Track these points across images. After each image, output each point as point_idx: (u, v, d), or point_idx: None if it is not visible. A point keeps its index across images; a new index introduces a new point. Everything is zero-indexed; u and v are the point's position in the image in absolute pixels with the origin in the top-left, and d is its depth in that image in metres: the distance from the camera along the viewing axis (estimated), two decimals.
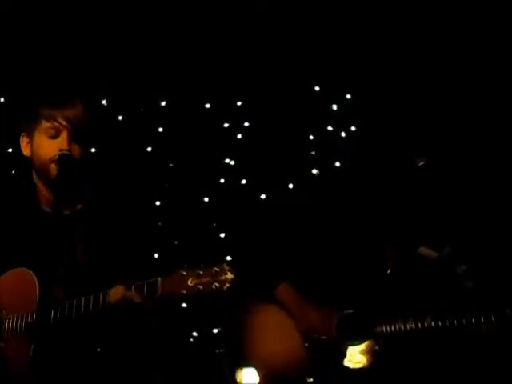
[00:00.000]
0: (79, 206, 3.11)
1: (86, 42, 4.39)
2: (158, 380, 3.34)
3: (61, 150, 2.98)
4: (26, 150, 3.13)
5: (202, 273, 2.68)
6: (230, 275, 2.65)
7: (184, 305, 4.29)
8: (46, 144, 3.04)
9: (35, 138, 3.07)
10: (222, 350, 3.59)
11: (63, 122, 3.02)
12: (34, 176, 3.12)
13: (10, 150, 4.33)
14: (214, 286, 2.66)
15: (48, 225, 2.98)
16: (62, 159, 2.97)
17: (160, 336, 3.21)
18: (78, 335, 2.91)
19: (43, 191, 3.10)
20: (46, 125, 3.05)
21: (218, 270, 2.67)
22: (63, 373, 2.92)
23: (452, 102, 4.29)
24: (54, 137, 3.04)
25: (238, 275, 2.69)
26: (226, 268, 2.67)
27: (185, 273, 2.70)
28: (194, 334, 4.37)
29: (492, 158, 4.14)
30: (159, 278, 2.72)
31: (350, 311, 3.51)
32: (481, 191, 3.96)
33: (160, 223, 4.28)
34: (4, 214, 3.13)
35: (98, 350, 2.97)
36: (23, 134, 3.15)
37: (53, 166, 2.99)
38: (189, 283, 2.68)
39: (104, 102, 4.49)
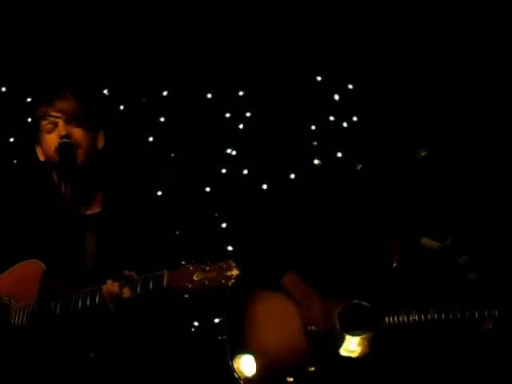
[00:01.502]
0: (98, 210, 3.14)
1: (87, 33, 4.39)
2: (159, 369, 3.35)
3: (61, 138, 3.02)
4: (41, 156, 3.22)
5: (207, 268, 2.71)
6: (235, 271, 2.68)
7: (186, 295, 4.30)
8: (48, 139, 3.12)
9: (41, 141, 3.13)
10: (224, 337, 3.60)
11: (56, 114, 3.08)
12: (55, 178, 3.15)
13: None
14: (219, 282, 2.67)
15: (66, 223, 3.01)
16: (61, 146, 3.03)
17: (160, 326, 3.21)
18: (80, 326, 2.92)
19: (63, 189, 3.11)
20: (43, 123, 3.13)
21: (224, 265, 2.69)
22: (62, 364, 2.94)
23: (454, 92, 4.29)
24: (53, 130, 3.08)
25: (243, 264, 2.71)
26: (232, 264, 2.69)
27: (191, 267, 2.72)
28: (196, 323, 4.38)
29: (494, 148, 4.14)
30: (166, 271, 2.75)
31: (356, 301, 3.51)
32: (483, 182, 3.97)
33: (162, 213, 4.28)
34: (23, 210, 3.20)
35: (98, 341, 2.98)
36: (36, 144, 3.23)
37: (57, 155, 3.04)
38: (194, 278, 2.71)
39: (106, 91, 4.49)
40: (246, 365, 3.50)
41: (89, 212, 3.17)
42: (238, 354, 3.51)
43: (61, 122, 3.08)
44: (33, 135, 3.21)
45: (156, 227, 3.23)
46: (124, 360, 3.05)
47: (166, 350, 3.51)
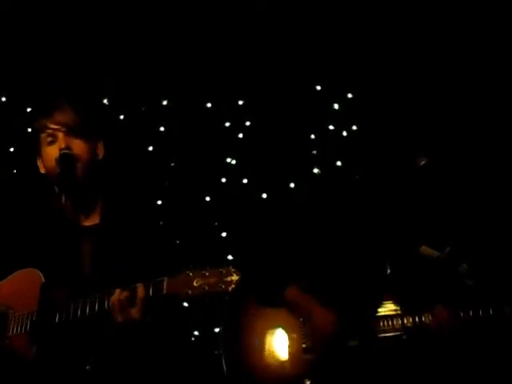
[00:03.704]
0: (97, 222, 3.14)
1: (87, 41, 4.40)
2: (158, 379, 3.34)
3: (61, 150, 3.01)
4: (42, 169, 3.18)
5: (207, 274, 2.69)
6: (235, 276, 2.66)
7: (185, 304, 4.30)
8: (48, 152, 3.09)
9: (42, 153, 3.12)
10: (220, 352, 3.60)
11: (55, 127, 3.06)
12: (56, 189, 3.15)
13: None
14: (219, 287, 2.66)
15: (64, 233, 3.01)
16: (62, 158, 3.00)
17: (160, 335, 3.21)
18: (80, 336, 2.92)
19: (62, 200, 3.11)
20: (43, 136, 3.10)
21: (223, 271, 2.68)
22: (65, 372, 2.93)
23: (453, 100, 4.30)
24: (53, 142, 3.07)
25: (245, 276, 2.70)
26: (232, 269, 2.67)
27: (190, 273, 2.70)
28: (196, 333, 4.38)
29: (493, 157, 4.15)
30: (165, 278, 2.74)
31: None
32: (482, 190, 3.97)
33: (161, 223, 4.28)
34: (24, 219, 3.18)
35: (99, 350, 2.97)
36: (37, 156, 3.19)
37: (58, 167, 3.02)
38: (194, 283, 2.69)
39: (105, 101, 4.50)
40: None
41: (87, 223, 3.16)
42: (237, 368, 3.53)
43: (60, 135, 3.06)
44: (33, 147, 3.19)
45: (155, 237, 3.22)
46: (123, 369, 3.04)
47: (165, 359, 3.50)
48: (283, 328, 3.58)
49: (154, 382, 3.19)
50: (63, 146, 3.02)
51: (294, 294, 3.60)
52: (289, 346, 3.55)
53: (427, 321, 3.39)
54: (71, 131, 3.06)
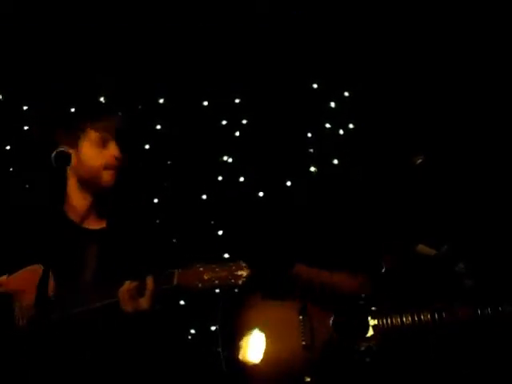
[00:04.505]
0: (103, 225, 3.15)
1: (84, 40, 4.40)
2: (156, 377, 3.35)
3: (116, 158, 3.10)
4: (74, 161, 3.13)
5: (217, 269, 2.75)
6: (246, 271, 2.72)
7: (182, 302, 4.30)
8: (96, 153, 3.11)
9: (83, 149, 3.12)
10: (219, 349, 3.60)
11: (111, 131, 3.12)
12: (71, 186, 3.15)
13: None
14: (229, 280, 2.71)
15: (70, 233, 3.02)
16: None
17: (158, 332, 3.22)
18: (81, 331, 2.93)
19: (77, 200, 3.11)
20: (93, 135, 3.13)
21: (233, 266, 2.74)
22: (65, 366, 2.94)
23: (450, 99, 4.30)
24: (103, 145, 3.10)
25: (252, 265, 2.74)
26: (243, 264, 2.73)
27: (201, 268, 2.75)
28: (192, 331, 4.38)
29: (490, 155, 4.16)
30: (176, 270, 2.78)
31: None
32: (479, 189, 3.98)
33: (158, 221, 4.29)
34: (28, 219, 3.17)
35: (100, 346, 2.98)
36: (62, 146, 3.06)
37: (105, 172, 3.08)
38: (205, 277, 2.74)
39: (102, 99, 4.49)
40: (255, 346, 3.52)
41: (95, 227, 3.17)
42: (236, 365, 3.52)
43: (113, 142, 3.11)
44: (63, 136, 3.16)
45: (156, 238, 3.25)
46: (128, 361, 3.05)
47: (163, 357, 3.51)
48: (286, 325, 3.57)
49: (156, 376, 3.22)
50: (118, 155, 3.09)
51: (304, 268, 3.59)
52: (288, 342, 3.55)
53: (426, 319, 3.40)
54: (121, 139, 3.10)
